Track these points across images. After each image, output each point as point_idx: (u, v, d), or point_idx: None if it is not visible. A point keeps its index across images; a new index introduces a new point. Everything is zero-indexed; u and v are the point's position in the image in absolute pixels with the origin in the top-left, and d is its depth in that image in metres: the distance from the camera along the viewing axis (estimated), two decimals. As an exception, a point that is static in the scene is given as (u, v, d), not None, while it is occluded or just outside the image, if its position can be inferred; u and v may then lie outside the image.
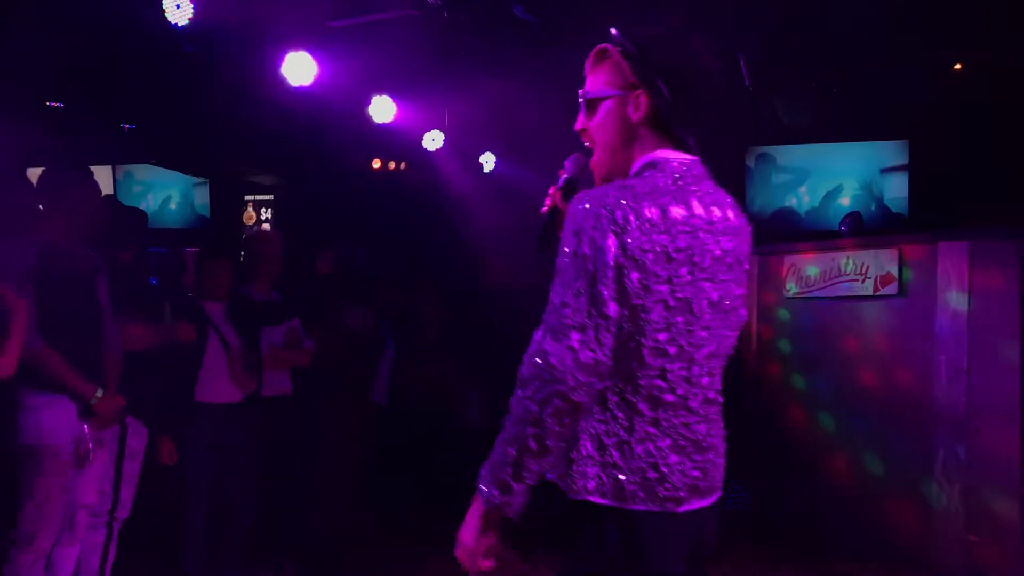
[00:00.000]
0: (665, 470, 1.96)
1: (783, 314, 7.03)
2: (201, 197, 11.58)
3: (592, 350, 1.88)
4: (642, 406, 1.97)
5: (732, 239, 2.06)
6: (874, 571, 5.93)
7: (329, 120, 7.79)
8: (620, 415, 1.97)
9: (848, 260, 6.55)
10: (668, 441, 1.98)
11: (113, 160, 11.30)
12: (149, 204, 11.74)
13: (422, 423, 6.76)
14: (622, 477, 1.95)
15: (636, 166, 2.10)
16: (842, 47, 7.71)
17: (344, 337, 5.84)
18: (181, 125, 8.66)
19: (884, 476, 6.26)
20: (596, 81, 2.21)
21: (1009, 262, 5.67)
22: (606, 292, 1.89)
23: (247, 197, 11.46)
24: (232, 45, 6.45)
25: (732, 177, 9.94)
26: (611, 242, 1.90)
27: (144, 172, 11.64)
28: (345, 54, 6.60)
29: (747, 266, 2.14)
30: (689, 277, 1.96)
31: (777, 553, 6.40)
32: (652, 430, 1.97)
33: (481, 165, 9.35)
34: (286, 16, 6.17)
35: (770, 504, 6.95)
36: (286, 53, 6.15)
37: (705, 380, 2.04)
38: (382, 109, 7.62)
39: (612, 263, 1.89)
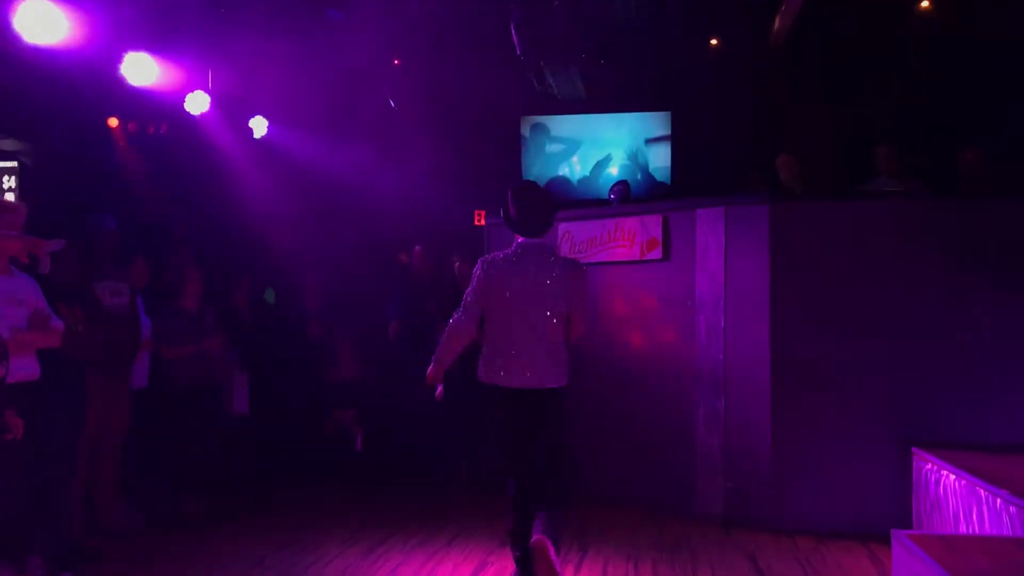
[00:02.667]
0: (507, 371, 4.59)
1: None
2: (-70, 164, 10.39)
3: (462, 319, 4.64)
4: (500, 346, 4.60)
5: (545, 277, 4.61)
6: (644, 518, 6.24)
7: (79, 79, 7.16)
8: (492, 348, 4.64)
9: (617, 227, 6.80)
10: (512, 360, 4.58)
11: None
12: None
13: (184, 406, 6.42)
14: (493, 372, 4.62)
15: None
16: (608, 20, 7.96)
17: (96, 315, 5.41)
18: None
19: (653, 431, 6.58)
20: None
21: (760, 226, 6.08)
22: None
23: (-14, 164, 10.38)
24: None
25: (508, 146, 10.08)
26: (479, 274, 4.63)
27: None
28: (93, 5, 6.07)
29: (565, 287, 4.63)
30: (509, 293, 4.58)
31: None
32: (504, 355, 4.60)
33: (251, 130, 8.94)
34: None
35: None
36: (19, 2, 5.57)
37: (528, 336, 4.58)
38: (140, 69, 7.09)
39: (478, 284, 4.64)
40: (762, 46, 8.71)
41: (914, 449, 5.58)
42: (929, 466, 5.30)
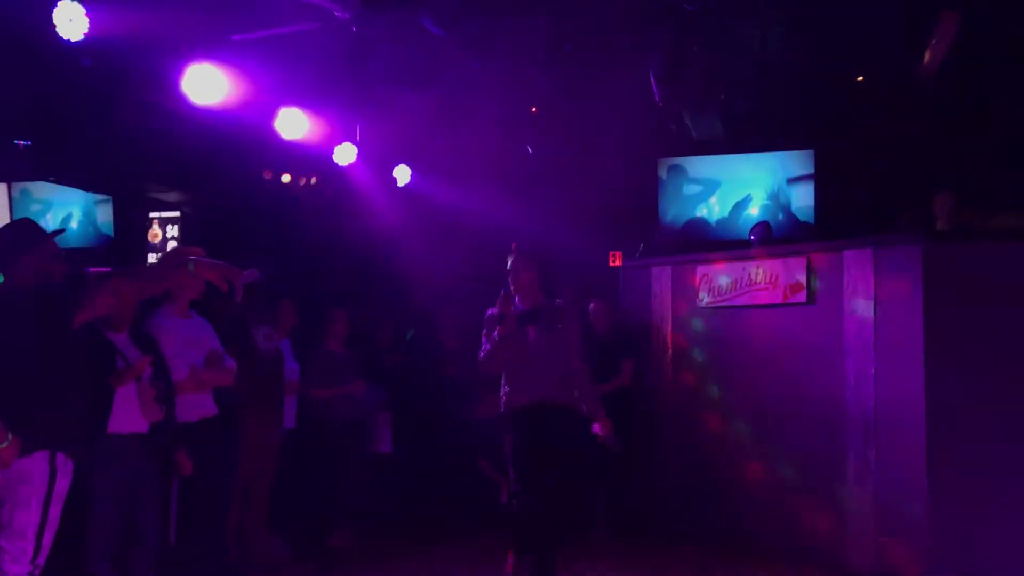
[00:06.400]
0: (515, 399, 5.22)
1: (696, 323, 7.11)
2: (104, 215, 11.16)
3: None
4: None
5: None
6: (789, 572, 6.02)
7: (236, 134, 7.59)
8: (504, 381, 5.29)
9: (758, 269, 6.66)
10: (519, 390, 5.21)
11: (9, 178, 10.83)
12: (49, 223, 11.26)
13: (330, 445, 6.63)
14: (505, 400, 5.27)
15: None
16: (747, 60, 7.86)
17: (252, 358, 5.68)
18: (79, 141, 8.33)
19: (797, 479, 6.37)
20: (521, 264, 5.33)
21: (912, 267, 5.84)
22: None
23: (152, 214, 11.10)
24: (132, 59, 6.24)
25: (645, 188, 10.04)
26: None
27: (42, 190, 11.18)
28: (251, 67, 6.45)
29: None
30: None
31: (691, 555, 6.45)
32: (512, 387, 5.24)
33: (395, 179, 9.23)
34: (188, 30, 6.01)
35: (685, 507, 7.01)
36: (187, 67, 5.97)
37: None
38: (292, 123, 7.45)
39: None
40: (910, 80, 8.40)
41: (1089, 507, 5.19)
42: (1107, 526, 4.92)
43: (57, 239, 4.10)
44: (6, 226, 4.11)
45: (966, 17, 6.83)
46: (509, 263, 5.37)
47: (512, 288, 5.31)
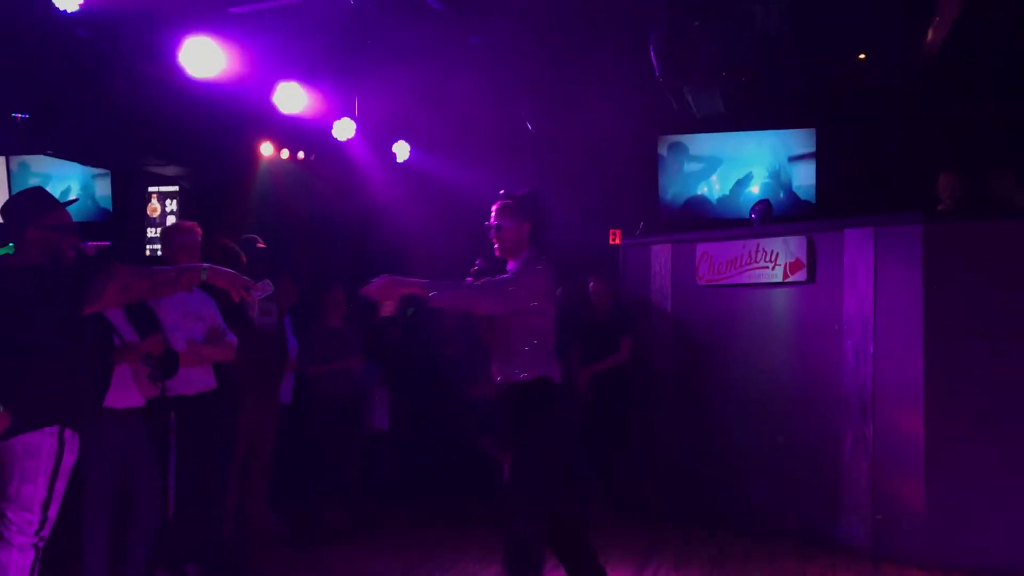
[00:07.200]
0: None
1: (696, 301, 7.09)
2: (102, 189, 11.14)
3: None
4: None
5: None
6: (786, 549, 6.04)
7: (234, 108, 7.55)
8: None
9: (759, 247, 6.64)
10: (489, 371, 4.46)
11: (7, 151, 10.79)
12: (47, 197, 11.20)
13: (326, 421, 6.64)
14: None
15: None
16: (749, 37, 7.81)
17: (248, 333, 5.67)
18: (78, 114, 8.29)
19: (795, 458, 6.37)
20: (504, 218, 4.40)
21: (913, 247, 5.81)
22: None
23: (151, 188, 11.06)
24: (129, 31, 6.20)
25: (645, 166, 10.01)
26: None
27: (40, 163, 11.15)
28: (249, 40, 6.40)
29: None
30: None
31: (688, 533, 6.48)
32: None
33: (394, 155, 9.20)
34: (185, 2, 5.97)
35: (683, 485, 7.02)
36: (185, 39, 5.93)
37: None
38: (291, 97, 7.41)
39: None
40: (913, 59, 8.35)
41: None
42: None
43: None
44: (15, 195, 4.12)
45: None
46: (492, 216, 4.40)
47: (496, 250, 4.40)
